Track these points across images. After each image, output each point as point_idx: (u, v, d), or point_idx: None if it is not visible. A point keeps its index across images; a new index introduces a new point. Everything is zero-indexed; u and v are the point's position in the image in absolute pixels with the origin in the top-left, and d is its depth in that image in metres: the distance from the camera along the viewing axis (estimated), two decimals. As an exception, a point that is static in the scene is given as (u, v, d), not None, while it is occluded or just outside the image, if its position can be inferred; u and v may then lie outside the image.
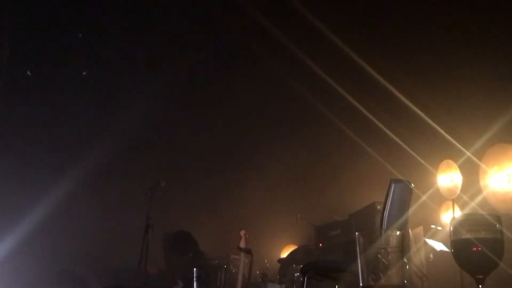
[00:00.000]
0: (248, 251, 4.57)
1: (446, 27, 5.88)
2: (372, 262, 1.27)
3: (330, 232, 5.85)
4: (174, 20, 7.06)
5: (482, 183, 4.70)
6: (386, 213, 3.01)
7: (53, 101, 6.66)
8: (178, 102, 7.39)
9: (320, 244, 5.96)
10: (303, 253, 5.91)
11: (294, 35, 6.47)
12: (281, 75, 6.86)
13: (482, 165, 4.69)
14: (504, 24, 5.32)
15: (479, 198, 4.81)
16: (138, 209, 5.65)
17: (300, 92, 6.94)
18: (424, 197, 5.31)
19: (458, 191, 4.91)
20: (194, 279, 4.91)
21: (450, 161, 5.11)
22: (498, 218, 1.61)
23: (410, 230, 4.64)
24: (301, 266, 3.69)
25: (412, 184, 3.22)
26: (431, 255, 5.03)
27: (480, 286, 1.57)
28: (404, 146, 6.02)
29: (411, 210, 3.25)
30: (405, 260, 1.29)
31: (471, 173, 4.92)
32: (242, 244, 4.53)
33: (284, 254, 7.10)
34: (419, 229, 5.17)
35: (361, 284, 1.29)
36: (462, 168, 4.97)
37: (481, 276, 1.57)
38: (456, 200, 5.10)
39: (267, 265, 6.83)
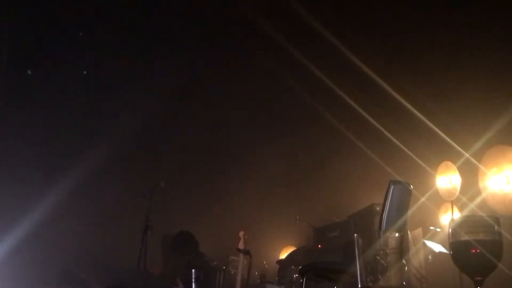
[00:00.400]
0: (247, 252, 4.57)
1: (446, 29, 5.89)
2: (371, 264, 1.28)
3: (329, 233, 5.85)
4: (174, 20, 7.07)
5: (481, 184, 4.70)
6: (385, 215, 3.02)
7: (53, 101, 6.66)
8: (177, 103, 7.39)
9: (319, 245, 5.96)
10: (302, 254, 5.90)
11: (292, 35, 6.48)
12: (281, 76, 6.87)
13: (481, 167, 4.69)
14: (503, 26, 5.33)
15: (478, 200, 4.81)
16: (137, 209, 5.65)
17: (299, 93, 6.95)
18: (423, 199, 5.32)
19: (457, 192, 4.92)
20: (193, 280, 4.91)
21: (449, 162, 5.11)
22: (497, 220, 1.61)
23: (409, 232, 4.64)
24: (300, 267, 3.69)
25: (411, 186, 3.22)
26: (430, 257, 5.03)
27: (478, 288, 1.58)
28: (403, 147, 6.03)
29: (410, 211, 3.26)
30: (404, 261, 1.29)
31: (470, 174, 4.92)
32: (241, 245, 4.53)
33: (283, 255, 7.09)
34: (418, 231, 5.17)
35: (359, 286, 1.30)
36: (461, 170, 4.97)
37: (480, 278, 1.57)
38: (455, 202, 5.11)
39: (266, 266, 6.83)
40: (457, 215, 5.06)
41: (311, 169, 7.55)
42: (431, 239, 5.15)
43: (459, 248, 1.61)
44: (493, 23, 5.42)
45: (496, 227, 1.59)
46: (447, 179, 5.06)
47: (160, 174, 6.50)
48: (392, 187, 3.08)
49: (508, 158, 4.45)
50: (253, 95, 7.44)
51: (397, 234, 1.30)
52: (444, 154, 5.43)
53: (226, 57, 7.45)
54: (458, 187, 4.89)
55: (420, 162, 5.86)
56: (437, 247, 4.93)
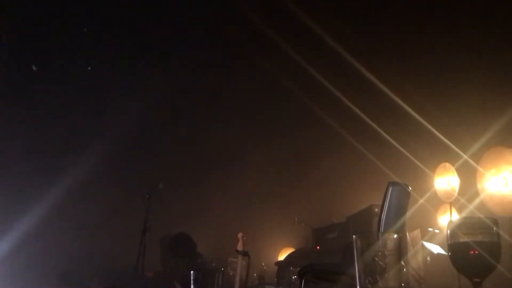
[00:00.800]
0: (245, 254, 4.56)
1: (444, 31, 5.90)
2: (369, 265, 1.28)
3: (327, 235, 5.85)
4: (173, 20, 7.06)
5: (479, 186, 4.71)
6: (383, 216, 3.01)
7: (52, 101, 6.64)
8: (176, 104, 7.39)
9: (318, 247, 5.96)
10: (300, 256, 5.90)
11: (291, 36, 6.48)
12: (280, 77, 6.87)
13: (480, 168, 4.69)
14: (502, 28, 5.34)
15: (476, 201, 4.81)
16: (136, 211, 5.65)
17: (298, 95, 6.95)
18: (421, 200, 5.32)
19: (456, 194, 4.92)
20: (192, 282, 4.90)
21: (447, 164, 5.12)
22: (495, 221, 1.62)
23: (407, 233, 4.65)
24: (299, 268, 3.68)
25: (410, 187, 3.22)
26: (428, 258, 5.03)
27: (477, 289, 1.58)
28: (402, 149, 6.03)
29: (409, 213, 3.25)
30: (403, 263, 1.29)
31: (468, 176, 4.92)
32: (240, 247, 4.51)
33: (282, 256, 7.10)
34: (417, 232, 5.17)
35: (358, 287, 1.29)
36: (459, 171, 4.98)
37: (478, 280, 1.58)
38: (454, 203, 5.12)
39: (265, 267, 6.83)
40: (455, 216, 5.06)
41: (310, 170, 7.56)
42: (429, 240, 5.15)
43: (458, 250, 1.61)
44: (490, 25, 5.43)
45: (494, 229, 1.59)
46: (445, 180, 5.06)
47: (159, 176, 6.49)
48: (390, 188, 3.08)
49: (506, 160, 4.45)
50: (252, 95, 7.44)
51: (395, 236, 1.31)
52: (442, 155, 5.44)
53: (226, 58, 7.45)
54: (457, 189, 4.90)
55: (419, 163, 5.86)
56: (436, 249, 4.93)
